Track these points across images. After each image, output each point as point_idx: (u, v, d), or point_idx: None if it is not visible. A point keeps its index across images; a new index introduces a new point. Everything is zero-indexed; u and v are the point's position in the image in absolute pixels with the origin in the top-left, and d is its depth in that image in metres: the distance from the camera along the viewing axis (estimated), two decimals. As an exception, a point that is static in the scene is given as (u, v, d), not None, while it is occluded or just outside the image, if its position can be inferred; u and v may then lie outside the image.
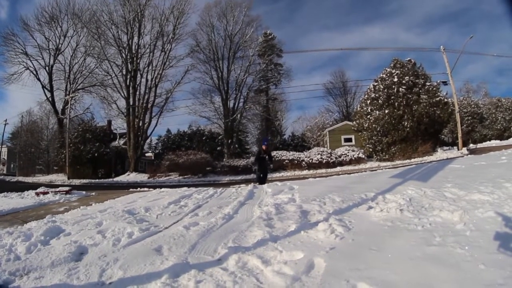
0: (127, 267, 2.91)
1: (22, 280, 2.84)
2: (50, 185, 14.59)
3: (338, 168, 20.05)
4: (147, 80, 29.66)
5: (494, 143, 27.53)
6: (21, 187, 13.73)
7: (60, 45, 32.88)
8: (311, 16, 79.31)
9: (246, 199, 6.21)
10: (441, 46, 23.76)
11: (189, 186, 11.23)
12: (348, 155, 21.72)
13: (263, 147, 10.89)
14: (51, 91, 32.89)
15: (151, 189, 10.61)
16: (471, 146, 25.29)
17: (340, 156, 21.76)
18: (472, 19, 69.87)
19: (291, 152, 22.83)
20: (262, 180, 10.26)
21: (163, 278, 2.57)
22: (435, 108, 20.78)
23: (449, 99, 22.86)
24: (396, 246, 2.90)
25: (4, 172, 43.74)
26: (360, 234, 3.30)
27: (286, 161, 21.30)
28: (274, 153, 18.93)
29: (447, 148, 23.23)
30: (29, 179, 27.16)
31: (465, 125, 31.41)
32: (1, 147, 42.10)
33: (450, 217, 3.52)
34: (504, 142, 25.90)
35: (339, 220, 3.76)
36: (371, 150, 22.46)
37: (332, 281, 2.31)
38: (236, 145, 33.15)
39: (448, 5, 68.80)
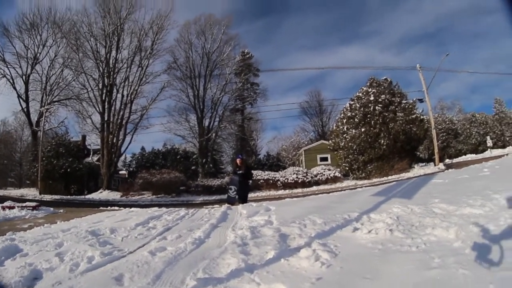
0: (81, 297, 2.47)
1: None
2: (19, 199, 14.29)
3: (315, 188, 20.04)
4: (122, 96, 29.06)
5: (469, 157, 28.44)
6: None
7: (38, 54, 32.10)
8: (289, 36, 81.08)
9: (219, 222, 5.82)
10: (417, 65, 24.65)
11: (160, 206, 10.92)
12: (324, 174, 21.77)
13: (237, 161, 10.26)
14: (27, 101, 31.81)
15: (121, 208, 10.08)
16: (447, 161, 25.95)
17: (316, 176, 21.77)
18: (447, 39, 73.66)
19: (266, 172, 22.66)
20: (241, 199, 9.55)
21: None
22: (411, 126, 21.23)
23: (425, 116, 23.50)
24: (391, 272, 2.57)
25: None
26: (348, 260, 2.94)
27: (261, 180, 21.00)
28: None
29: (423, 164, 23.64)
30: (-1, 192, 25.66)
31: (440, 141, 32.32)
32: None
33: (445, 235, 3.30)
34: (480, 156, 26.75)
35: (323, 245, 3.40)
36: (347, 168, 22.55)
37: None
38: (211, 165, 32.78)
39: (424, 27, 72.29)
